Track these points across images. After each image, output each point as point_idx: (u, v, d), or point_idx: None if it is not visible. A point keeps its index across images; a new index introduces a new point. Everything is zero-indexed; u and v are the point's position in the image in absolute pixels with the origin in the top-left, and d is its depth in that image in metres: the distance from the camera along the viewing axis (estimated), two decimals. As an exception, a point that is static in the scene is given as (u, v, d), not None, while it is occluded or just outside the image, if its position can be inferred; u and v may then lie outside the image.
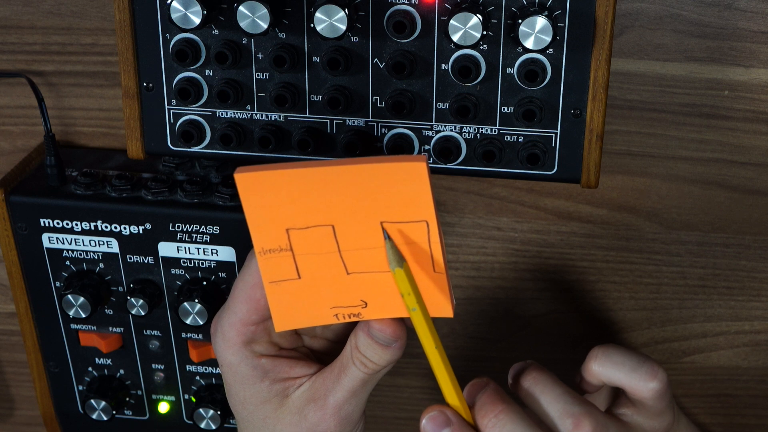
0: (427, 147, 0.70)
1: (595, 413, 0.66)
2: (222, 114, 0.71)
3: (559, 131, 0.69)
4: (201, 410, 0.82)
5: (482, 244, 0.84)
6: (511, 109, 0.68)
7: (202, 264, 0.77)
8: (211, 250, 0.77)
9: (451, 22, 0.64)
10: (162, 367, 0.83)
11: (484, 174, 0.70)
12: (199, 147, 0.71)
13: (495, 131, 0.69)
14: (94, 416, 0.83)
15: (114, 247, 0.78)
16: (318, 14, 0.64)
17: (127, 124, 0.71)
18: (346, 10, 0.64)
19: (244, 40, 0.68)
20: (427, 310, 0.61)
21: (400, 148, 0.69)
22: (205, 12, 0.65)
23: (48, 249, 0.78)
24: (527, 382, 0.68)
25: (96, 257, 0.78)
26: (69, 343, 0.82)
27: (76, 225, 0.77)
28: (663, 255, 0.83)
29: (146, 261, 0.78)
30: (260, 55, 0.69)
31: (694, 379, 0.88)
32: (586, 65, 0.67)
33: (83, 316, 0.78)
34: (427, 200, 0.57)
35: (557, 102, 0.68)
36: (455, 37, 0.65)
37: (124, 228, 0.77)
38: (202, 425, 0.82)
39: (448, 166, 0.70)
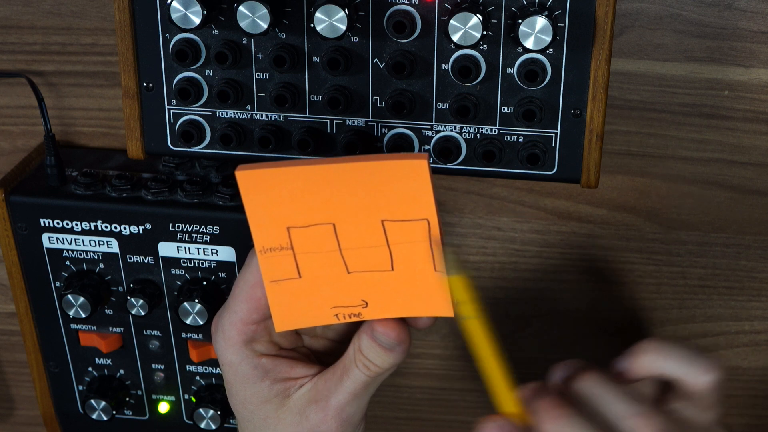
0: (427, 147, 0.70)
1: (658, 412, 0.64)
2: (222, 114, 0.71)
3: (559, 131, 0.69)
4: (201, 410, 0.82)
5: (482, 244, 0.84)
6: (511, 109, 0.68)
7: (202, 264, 0.77)
8: (211, 250, 0.77)
9: (451, 22, 0.64)
10: (162, 367, 0.83)
11: (484, 174, 0.70)
12: (199, 147, 0.71)
13: (495, 131, 0.69)
14: (94, 416, 0.83)
15: (114, 247, 0.78)
16: (318, 14, 0.64)
17: (127, 124, 0.71)
18: (346, 10, 0.64)
19: (244, 40, 0.68)
20: (483, 317, 0.61)
21: (400, 148, 0.69)
22: (205, 12, 0.65)
23: (48, 249, 0.78)
24: (585, 383, 0.65)
25: (96, 257, 0.78)
26: (69, 343, 0.82)
27: (76, 225, 0.77)
28: (663, 255, 0.83)
29: (146, 261, 0.78)
30: (260, 55, 0.69)
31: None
32: (586, 65, 0.67)
33: (83, 316, 0.78)
34: (428, 198, 0.57)
35: (557, 102, 0.68)
36: (455, 37, 0.65)
37: (124, 228, 0.77)
38: (202, 425, 0.82)
39: (448, 166, 0.70)
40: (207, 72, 0.69)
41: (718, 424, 0.70)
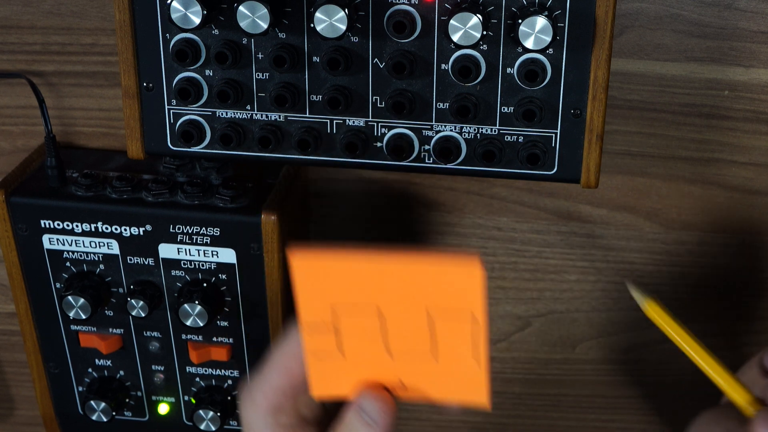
0: (427, 147, 0.70)
1: None
2: (222, 114, 0.71)
3: (559, 131, 0.69)
4: (201, 411, 0.82)
5: (482, 244, 0.84)
6: (511, 109, 0.68)
7: (203, 266, 0.77)
8: (212, 251, 0.77)
9: (451, 22, 0.64)
10: (162, 369, 0.83)
11: (484, 174, 0.70)
12: (199, 147, 0.71)
13: (495, 131, 0.69)
14: (93, 417, 0.83)
15: (114, 248, 0.78)
16: (318, 14, 0.64)
17: (127, 124, 0.71)
18: (346, 10, 0.64)
19: (244, 40, 0.68)
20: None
21: (400, 147, 0.69)
22: (205, 12, 0.65)
23: (48, 250, 0.78)
24: None
25: (96, 258, 0.78)
26: (69, 344, 0.82)
27: (77, 226, 0.77)
28: (663, 255, 0.83)
29: (146, 262, 0.78)
30: (260, 55, 0.69)
31: (695, 380, 0.88)
32: (586, 65, 0.67)
33: (83, 317, 0.78)
34: (478, 297, 0.58)
35: (557, 102, 0.68)
36: (455, 37, 0.65)
37: (125, 229, 0.77)
38: (202, 426, 0.82)
39: (448, 166, 0.70)
40: (207, 72, 0.69)
41: None
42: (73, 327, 0.81)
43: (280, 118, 0.70)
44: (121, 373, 0.83)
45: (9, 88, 0.83)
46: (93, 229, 0.77)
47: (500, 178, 0.73)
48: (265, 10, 0.64)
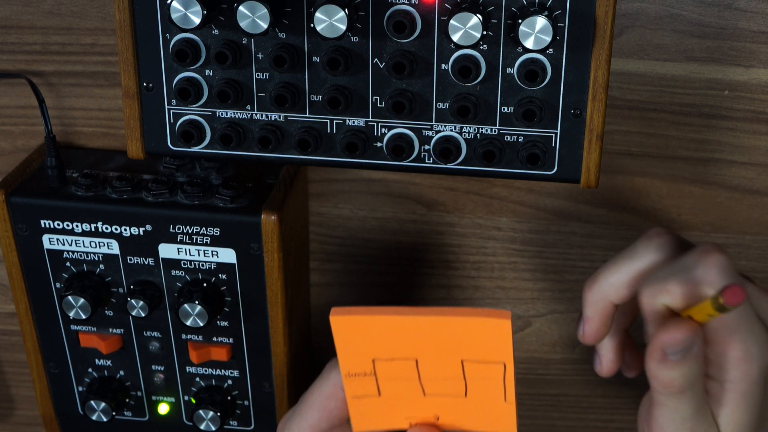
0: (427, 147, 0.70)
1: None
2: (222, 114, 0.71)
3: (559, 131, 0.69)
4: (201, 411, 0.82)
5: (482, 244, 0.84)
6: (511, 109, 0.68)
7: (203, 266, 0.77)
8: (212, 251, 0.77)
9: (451, 22, 0.64)
10: (162, 369, 0.83)
11: (484, 174, 0.70)
12: (199, 147, 0.71)
13: (495, 131, 0.69)
14: (93, 417, 0.83)
15: (114, 248, 0.78)
16: (318, 14, 0.64)
17: (127, 124, 0.71)
18: (346, 10, 0.64)
19: (244, 40, 0.68)
20: None
21: (401, 148, 0.69)
22: (205, 12, 0.65)
23: (48, 250, 0.78)
24: None
25: (96, 258, 0.78)
26: (69, 344, 0.82)
27: (77, 226, 0.77)
28: (663, 255, 0.83)
29: (146, 262, 0.78)
30: (260, 55, 0.69)
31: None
32: (586, 65, 0.67)
33: (83, 317, 0.78)
34: (507, 348, 0.62)
35: (557, 102, 0.68)
36: (455, 37, 0.65)
37: (125, 229, 0.77)
38: (202, 426, 0.82)
39: (448, 166, 0.70)
40: (207, 72, 0.69)
41: None
42: (73, 327, 0.81)
43: (280, 118, 0.70)
44: (121, 373, 0.83)
45: (9, 88, 0.83)
46: (93, 229, 0.77)
47: (500, 178, 0.73)
48: (265, 10, 0.64)
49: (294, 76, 0.69)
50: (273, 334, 0.79)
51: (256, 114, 0.70)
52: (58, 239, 0.78)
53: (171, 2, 0.65)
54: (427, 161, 0.70)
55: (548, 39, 0.64)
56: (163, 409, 0.85)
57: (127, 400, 0.84)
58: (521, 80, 0.67)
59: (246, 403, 0.83)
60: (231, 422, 0.84)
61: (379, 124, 0.70)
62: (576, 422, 0.92)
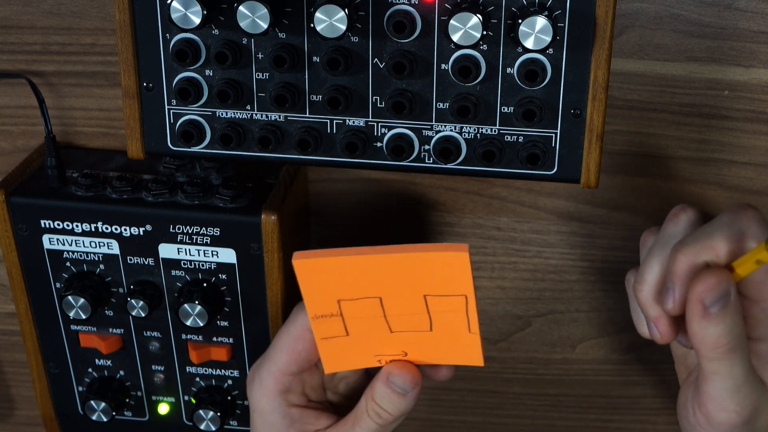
0: (427, 147, 0.70)
1: None
2: (222, 114, 0.71)
3: (559, 131, 0.69)
4: (201, 411, 0.82)
5: (482, 244, 0.84)
6: (511, 109, 0.68)
7: (203, 266, 0.77)
8: (212, 251, 0.77)
9: (451, 22, 0.64)
10: (162, 369, 0.83)
11: (484, 174, 0.70)
12: (199, 147, 0.71)
13: (495, 131, 0.69)
14: (93, 417, 0.83)
15: (114, 248, 0.78)
16: (318, 14, 0.64)
17: (127, 124, 0.71)
18: (346, 10, 0.64)
19: (244, 40, 0.68)
20: None
21: (401, 148, 0.69)
22: (205, 12, 0.65)
23: (48, 250, 0.78)
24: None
25: (96, 258, 0.78)
26: (69, 344, 0.82)
27: (77, 226, 0.77)
28: (663, 255, 0.83)
29: (146, 262, 0.78)
30: (260, 55, 0.69)
31: (694, 380, 0.88)
32: (586, 65, 0.67)
33: (83, 317, 0.78)
34: (468, 280, 0.63)
35: (557, 102, 0.68)
36: (455, 37, 0.65)
37: (125, 229, 0.77)
38: (202, 426, 0.82)
39: (448, 166, 0.70)
40: (207, 72, 0.69)
41: None
42: (73, 327, 0.81)
43: (280, 118, 0.70)
44: (121, 373, 0.83)
45: (9, 88, 0.83)
46: (93, 229, 0.77)
47: (500, 178, 0.73)
48: (265, 10, 0.64)
49: (294, 76, 0.69)
50: (273, 334, 0.79)
51: (256, 114, 0.70)
52: (58, 239, 0.78)
53: (171, 2, 0.65)
54: (427, 161, 0.70)
55: (548, 39, 0.64)
56: (163, 409, 0.85)
57: (127, 400, 0.84)
58: (521, 80, 0.67)
59: (246, 403, 0.83)
60: (231, 422, 0.84)
61: (379, 124, 0.70)
62: (576, 422, 0.92)
